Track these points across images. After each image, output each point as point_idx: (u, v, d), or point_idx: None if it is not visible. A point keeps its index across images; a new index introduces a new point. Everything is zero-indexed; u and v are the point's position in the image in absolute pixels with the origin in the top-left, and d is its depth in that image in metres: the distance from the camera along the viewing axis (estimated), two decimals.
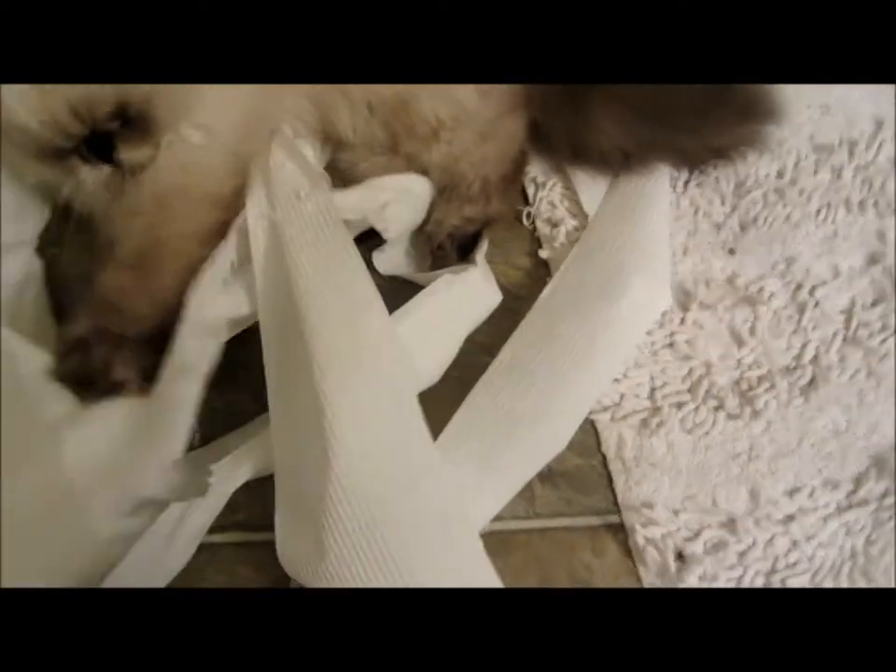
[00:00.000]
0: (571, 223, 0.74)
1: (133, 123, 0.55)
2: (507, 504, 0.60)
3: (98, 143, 0.54)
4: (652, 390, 0.68)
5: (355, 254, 0.60)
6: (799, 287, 0.73)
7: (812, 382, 0.69)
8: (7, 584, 0.49)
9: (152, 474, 0.55)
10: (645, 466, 0.64)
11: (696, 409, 0.67)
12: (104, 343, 0.57)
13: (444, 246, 0.70)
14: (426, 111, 0.68)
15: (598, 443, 0.65)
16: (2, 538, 0.50)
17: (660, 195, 0.71)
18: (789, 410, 0.67)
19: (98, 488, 0.53)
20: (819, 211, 0.77)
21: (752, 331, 0.70)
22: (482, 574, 0.54)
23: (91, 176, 0.55)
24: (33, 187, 0.63)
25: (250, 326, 0.60)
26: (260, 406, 0.58)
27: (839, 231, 0.76)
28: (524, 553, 0.60)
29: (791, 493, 0.64)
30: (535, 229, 0.75)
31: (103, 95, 0.53)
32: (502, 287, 0.70)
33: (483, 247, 0.71)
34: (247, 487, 0.58)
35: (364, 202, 0.65)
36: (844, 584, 0.61)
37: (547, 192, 0.76)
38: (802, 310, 0.72)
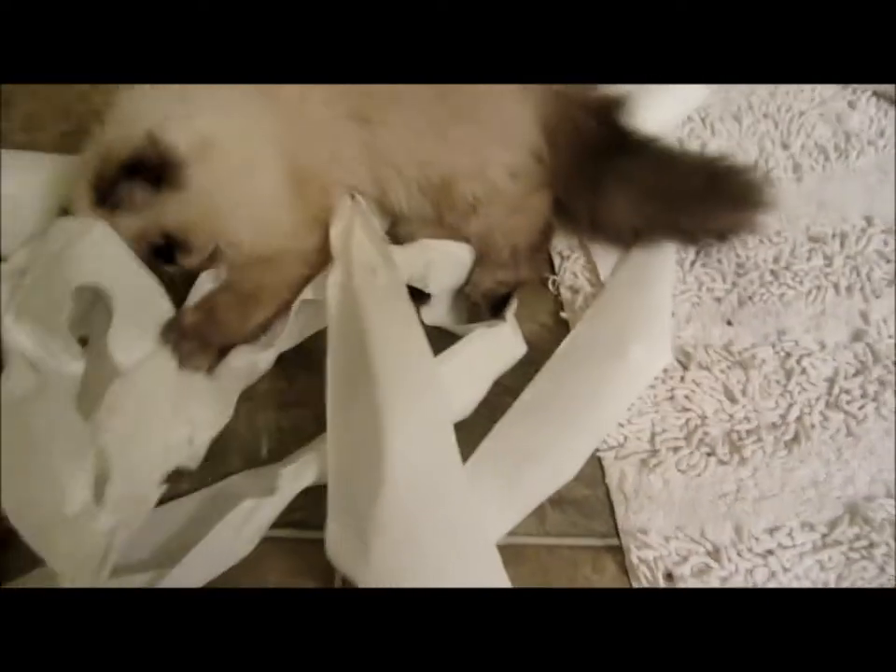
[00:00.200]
0: (589, 290, 0.85)
1: (179, 245, 0.73)
2: (521, 522, 0.68)
3: (162, 256, 0.74)
4: (653, 435, 0.75)
5: (412, 314, 0.72)
6: (788, 355, 0.81)
7: (795, 437, 0.75)
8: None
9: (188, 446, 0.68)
10: (643, 498, 0.71)
11: (690, 453, 0.74)
12: (195, 341, 0.72)
13: (479, 304, 0.81)
14: (465, 190, 0.80)
15: (603, 477, 0.73)
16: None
17: (665, 269, 0.82)
18: (773, 460, 0.74)
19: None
20: (809, 292, 0.86)
21: (744, 392, 0.78)
22: (495, 577, 0.62)
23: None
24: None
25: (315, 360, 0.72)
26: (320, 427, 0.68)
27: (827, 310, 0.84)
28: (532, 564, 0.67)
29: (772, 531, 0.69)
30: (558, 294, 0.86)
31: (149, 231, 0.72)
32: (527, 341, 0.80)
33: (513, 307, 0.81)
34: (304, 493, 0.67)
35: (413, 257, 0.78)
36: None
37: (571, 263, 0.87)
38: (789, 376, 0.79)
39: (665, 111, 0.95)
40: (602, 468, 0.74)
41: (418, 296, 0.79)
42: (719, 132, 1.03)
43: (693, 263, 0.88)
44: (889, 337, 0.83)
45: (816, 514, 0.71)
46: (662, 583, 0.67)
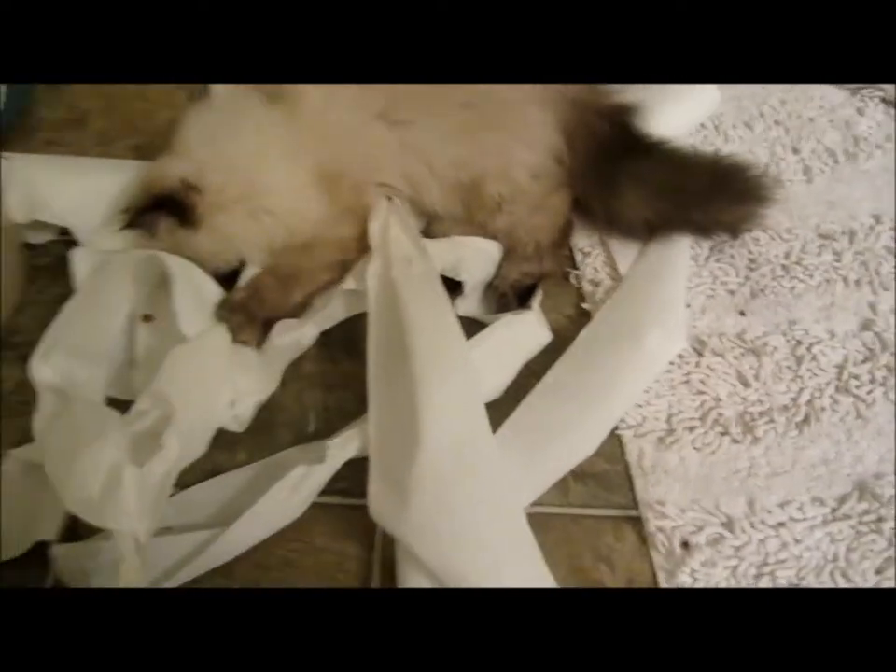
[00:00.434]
0: (609, 283, 0.90)
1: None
2: (546, 493, 0.73)
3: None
4: (669, 416, 0.79)
5: (445, 300, 0.79)
6: (799, 343, 0.84)
7: (806, 419, 0.78)
8: None
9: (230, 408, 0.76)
10: (660, 473, 0.75)
11: (705, 433, 0.78)
12: (242, 315, 0.80)
13: (507, 295, 0.87)
14: (492, 190, 0.87)
15: (623, 453, 0.77)
16: None
17: (679, 262, 0.87)
18: (785, 439, 0.77)
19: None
20: (819, 285, 0.90)
21: (757, 377, 0.82)
22: (523, 541, 0.67)
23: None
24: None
25: (358, 345, 0.79)
26: (362, 407, 0.74)
27: (836, 302, 0.88)
28: (557, 533, 0.71)
29: (783, 505, 0.72)
30: (581, 287, 0.91)
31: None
32: (552, 331, 0.85)
33: (538, 297, 0.87)
34: (348, 464, 0.72)
35: (446, 251, 0.85)
36: (825, 582, 0.67)
37: (592, 259, 0.93)
38: (800, 362, 0.83)
39: (678, 118, 1.01)
40: (622, 445, 0.78)
41: (452, 288, 0.84)
42: (731, 138, 1.08)
43: (707, 258, 0.93)
44: None
45: (826, 490, 0.74)
46: (678, 553, 0.70)
